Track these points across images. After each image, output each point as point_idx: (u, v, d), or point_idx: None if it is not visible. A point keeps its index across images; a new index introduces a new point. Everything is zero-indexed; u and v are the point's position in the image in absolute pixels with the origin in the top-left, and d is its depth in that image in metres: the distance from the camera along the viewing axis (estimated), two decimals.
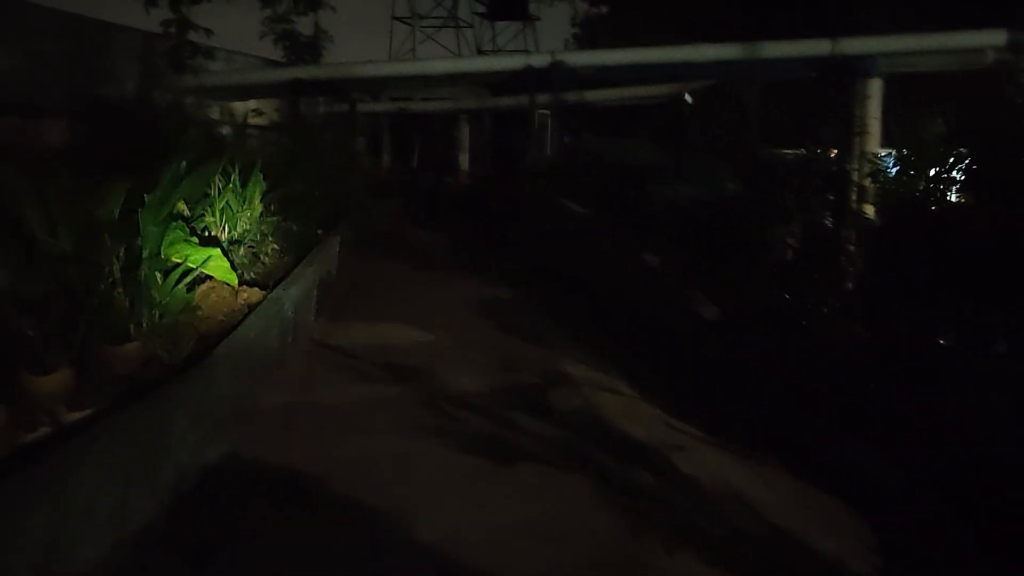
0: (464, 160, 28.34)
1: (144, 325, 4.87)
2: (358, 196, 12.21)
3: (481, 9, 34.55)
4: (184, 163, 6.87)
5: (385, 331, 7.73)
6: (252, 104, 18.87)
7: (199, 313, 6.04)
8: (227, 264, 5.60)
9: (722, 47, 13.31)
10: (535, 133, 14.38)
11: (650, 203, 9.89)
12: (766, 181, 8.00)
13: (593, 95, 18.97)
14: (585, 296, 9.33)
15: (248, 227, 9.05)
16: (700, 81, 18.69)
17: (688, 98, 19.53)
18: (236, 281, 5.93)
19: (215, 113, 16.21)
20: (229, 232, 8.33)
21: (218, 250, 5.59)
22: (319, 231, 10.35)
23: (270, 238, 9.27)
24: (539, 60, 13.91)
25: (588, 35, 27.69)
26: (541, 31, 34.56)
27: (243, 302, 6.41)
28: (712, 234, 7.85)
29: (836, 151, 14.30)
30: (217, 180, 8.51)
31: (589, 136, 17.21)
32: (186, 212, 6.68)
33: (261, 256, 8.59)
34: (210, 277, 6.20)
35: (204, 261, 5.45)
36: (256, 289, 6.63)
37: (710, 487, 4.39)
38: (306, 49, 19.15)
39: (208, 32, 13.03)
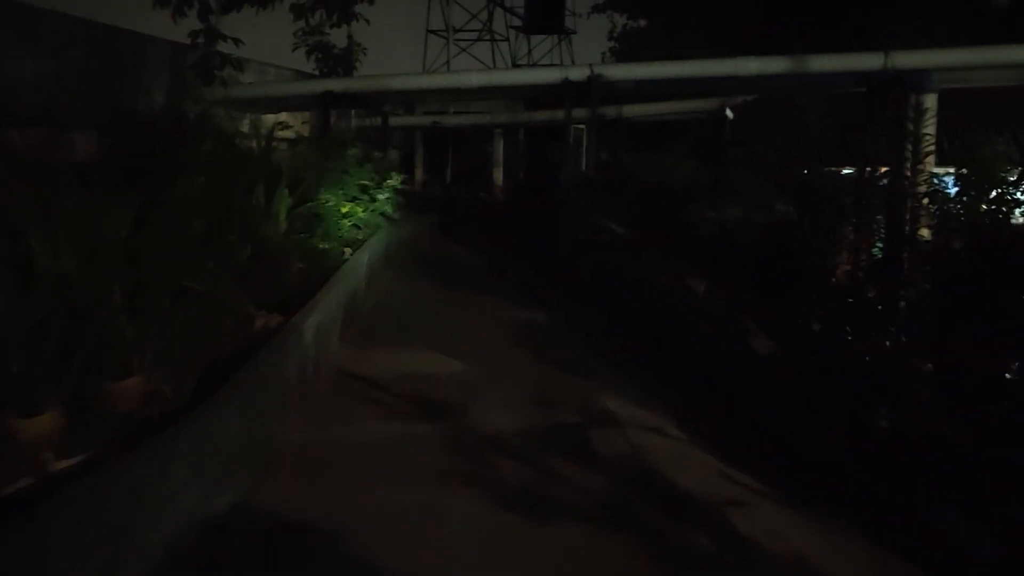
0: (498, 175, 27.94)
1: (147, 356, 4.48)
2: (389, 211, 11.83)
3: (517, 22, 34.27)
4: (202, 178, 6.53)
5: (413, 359, 7.30)
6: (283, 117, 18.71)
7: (213, 342, 5.67)
8: (240, 291, 5.17)
9: (767, 60, 12.77)
10: (571, 148, 13.92)
11: (694, 224, 9.36)
12: (818, 202, 7.45)
13: (630, 110, 18.51)
14: (624, 322, 8.84)
15: (273, 246, 8.71)
16: (742, 96, 18.16)
17: (729, 113, 19.01)
18: (252, 307, 5.51)
19: (245, 126, 15.97)
20: (252, 251, 7.97)
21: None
22: (346, 248, 9.98)
23: (294, 256, 8.92)
24: (576, 73, 13.45)
25: (625, 49, 27.21)
26: (577, 45, 34.24)
27: (261, 327, 6.02)
28: (763, 259, 7.31)
29: (887, 170, 13.71)
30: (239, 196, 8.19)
31: (626, 152, 16.71)
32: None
33: (284, 276, 8.23)
34: (226, 301, 5.81)
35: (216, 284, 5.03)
36: (276, 315, 6.23)
37: (773, 553, 3.88)
38: (339, 62, 18.84)
39: (237, 42, 12.76)
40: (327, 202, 9.54)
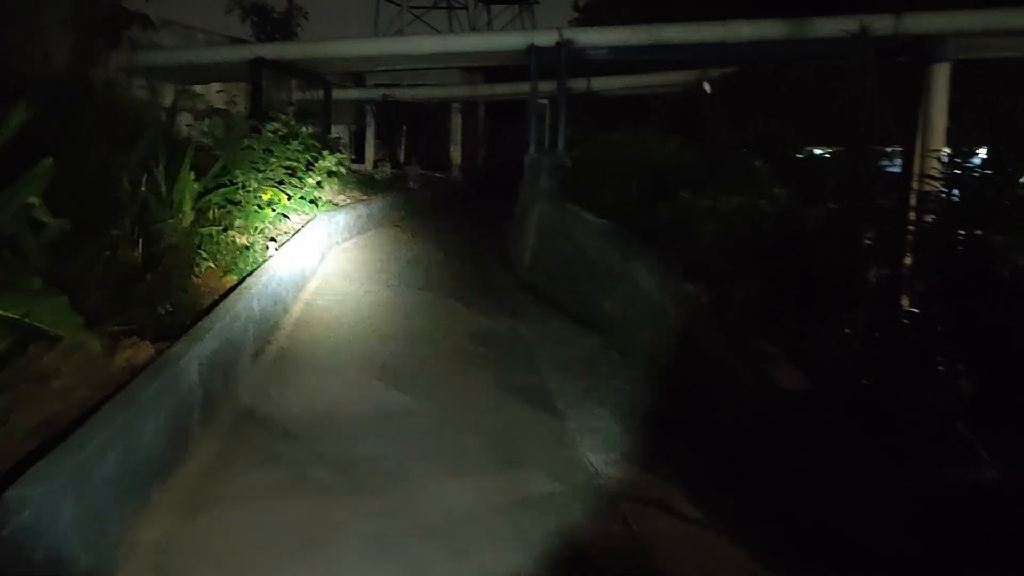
0: (456, 153, 26.39)
1: None
2: (319, 197, 10.30)
3: None
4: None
5: (344, 389, 5.84)
6: (216, 88, 16.95)
7: (52, 385, 4.16)
8: (77, 317, 3.64)
9: (761, 24, 11.41)
10: (536, 125, 12.42)
11: (686, 216, 7.98)
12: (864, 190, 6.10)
13: (600, 83, 17.04)
14: (606, 338, 7.45)
15: (175, 240, 7.16)
16: (720, 69, 16.85)
17: (707, 87, 17.71)
18: (97, 343, 3.99)
19: (168, 98, 14.27)
20: (143, 252, 6.44)
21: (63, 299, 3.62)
22: (271, 243, 8.44)
23: (203, 254, 7.38)
24: (543, 39, 11.95)
25: (592, 21, 25.71)
26: (541, 17, 32.54)
27: (124, 364, 4.50)
28: (782, 263, 5.96)
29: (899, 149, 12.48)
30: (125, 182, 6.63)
31: (598, 129, 15.27)
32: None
33: (184, 283, 6.70)
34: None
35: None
36: (147, 343, 4.71)
37: None
38: (277, 27, 17.11)
39: None
40: (245, 187, 8.00)
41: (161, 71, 14.17)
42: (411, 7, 26.64)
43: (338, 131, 23.12)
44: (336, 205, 10.82)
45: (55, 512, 2.97)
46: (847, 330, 5.27)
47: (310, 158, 9.06)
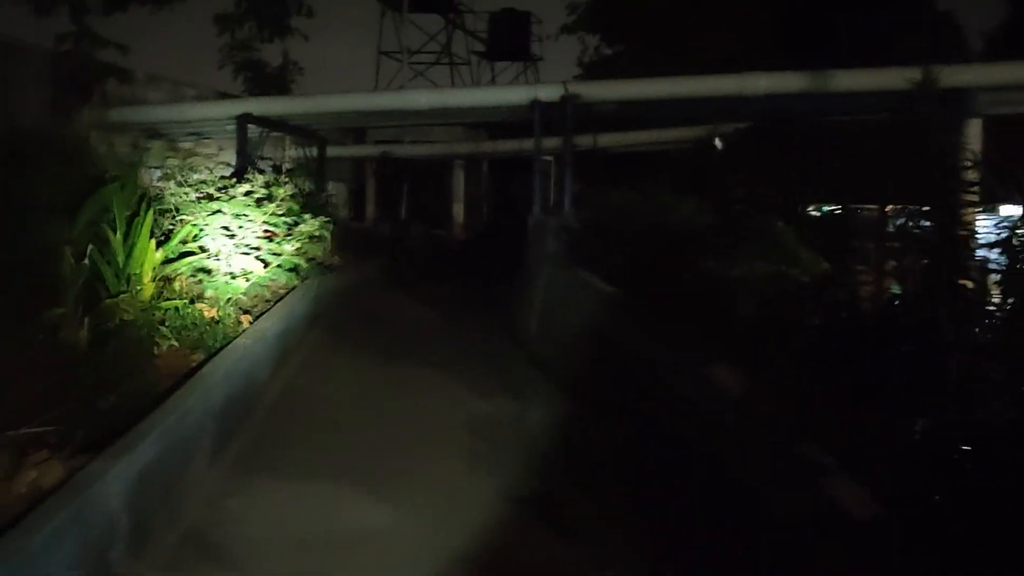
0: (459, 211, 25.69)
1: None
2: (323, 257, 9.51)
3: (479, 47, 32.22)
4: None
5: (320, 500, 4.94)
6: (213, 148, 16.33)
7: None
8: None
9: (779, 76, 10.72)
10: (540, 183, 11.68)
11: (710, 284, 7.15)
12: None
13: (608, 139, 16.33)
14: (618, 422, 6.56)
15: (132, 316, 6.32)
16: (733, 123, 16.19)
17: (718, 143, 17.05)
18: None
19: (155, 156, 13.63)
20: (89, 333, 5.62)
21: None
22: (245, 316, 7.60)
23: (164, 330, 6.53)
24: (548, 93, 11.27)
25: (596, 78, 25.24)
26: (544, 74, 32.12)
27: (26, 490, 3.61)
28: (829, 348, 5.09)
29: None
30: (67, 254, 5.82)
31: (604, 187, 14.51)
32: None
33: (140, 367, 5.84)
34: None
35: None
36: (55, 463, 3.81)
37: None
38: (272, 83, 16.57)
39: (122, 49, 10.41)
40: (215, 254, 7.19)
41: (146, 128, 13.52)
42: (412, 63, 26.26)
43: (336, 189, 22.52)
44: (325, 269, 10.03)
45: None
46: (917, 435, 4.40)
47: (291, 221, 8.27)
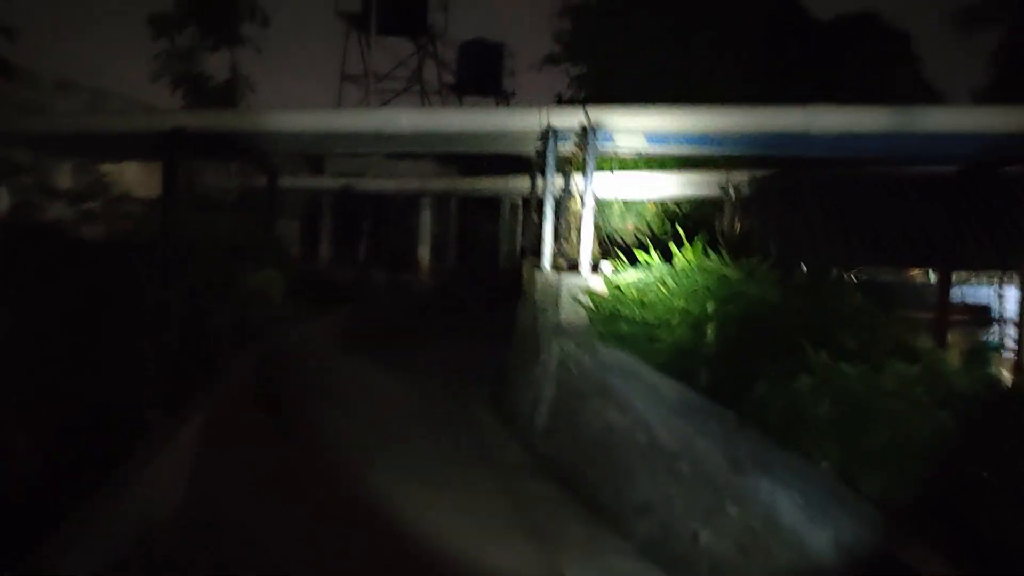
0: (425, 252, 23.30)
1: None
2: (268, 308, 7.07)
3: (449, 78, 30.15)
4: None
5: None
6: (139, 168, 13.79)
7: None
8: None
9: (855, 113, 8.66)
10: (553, 230, 9.33)
11: (845, 397, 4.94)
12: None
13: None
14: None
15: None
16: (751, 170, 14.17)
17: (732, 192, 15.02)
18: None
19: (64, 178, 11.16)
20: None
21: None
22: (147, 403, 5.11)
23: None
24: (564, 119, 9.05)
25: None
26: None
27: None
28: None
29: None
30: None
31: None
32: None
33: None
34: None
35: None
36: None
37: None
38: (218, 100, 14.09)
39: (7, 34, 7.94)
40: None
41: (55, 144, 11.01)
42: (379, 88, 24.01)
43: (288, 226, 20.02)
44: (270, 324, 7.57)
45: None
46: None
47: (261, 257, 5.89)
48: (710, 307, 6.76)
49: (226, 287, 7.53)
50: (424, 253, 23.45)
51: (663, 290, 7.39)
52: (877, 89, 19.20)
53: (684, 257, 7.55)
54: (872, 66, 26.07)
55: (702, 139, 9.35)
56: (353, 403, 8.79)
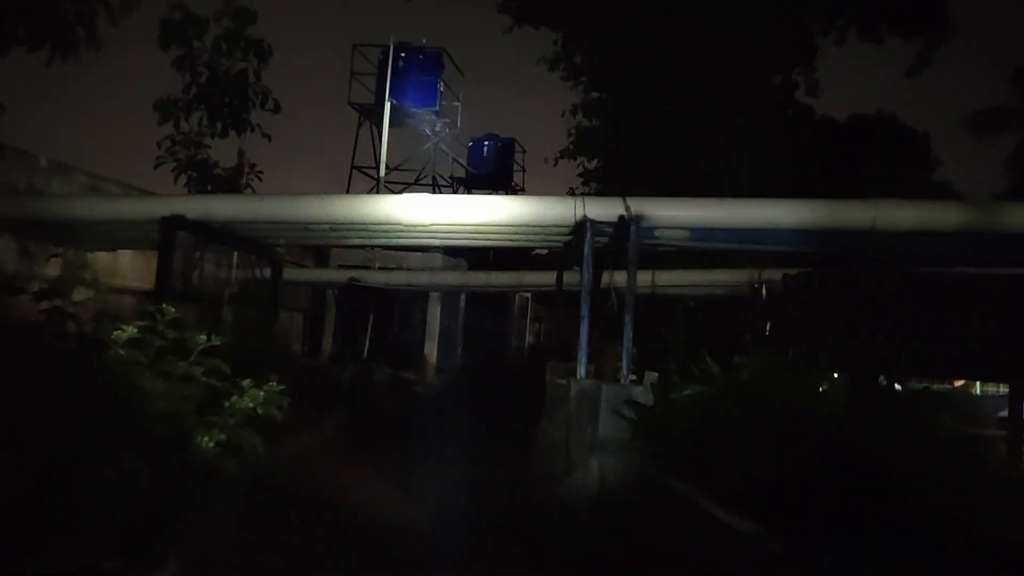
0: (432, 350, 22.33)
1: None
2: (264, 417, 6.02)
3: (459, 172, 29.75)
4: None
5: None
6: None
7: None
8: None
9: (930, 208, 7.83)
10: (588, 333, 8.33)
11: None
12: None
13: (667, 278, 13.21)
14: None
15: None
16: (781, 268, 13.38)
17: (764, 290, 14.21)
18: None
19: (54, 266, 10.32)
20: None
21: None
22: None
23: None
24: (601, 210, 8.23)
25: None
26: None
27: None
28: None
29: None
30: None
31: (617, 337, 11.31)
32: None
33: None
34: None
35: None
36: None
37: None
38: (223, 188, 13.39)
39: None
40: None
41: (46, 230, 10.21)
42: (389, 182, 23.48)
43: (291, 319, 19.16)
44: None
45: None
46: None
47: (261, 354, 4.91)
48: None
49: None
50: (431, 350, 22.49)
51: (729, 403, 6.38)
52: (896, 190, 18.66)
53: (750, 365, 6.57)
54: (890, 167, 25.66)
55: (753, 234, 8.48)
56: (350, 540, 7.61)
